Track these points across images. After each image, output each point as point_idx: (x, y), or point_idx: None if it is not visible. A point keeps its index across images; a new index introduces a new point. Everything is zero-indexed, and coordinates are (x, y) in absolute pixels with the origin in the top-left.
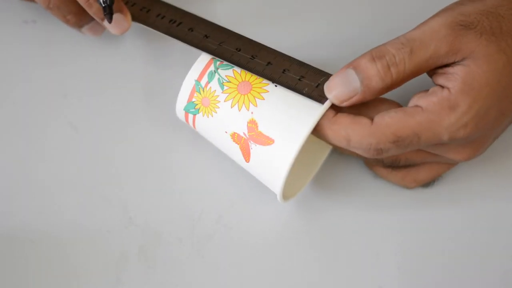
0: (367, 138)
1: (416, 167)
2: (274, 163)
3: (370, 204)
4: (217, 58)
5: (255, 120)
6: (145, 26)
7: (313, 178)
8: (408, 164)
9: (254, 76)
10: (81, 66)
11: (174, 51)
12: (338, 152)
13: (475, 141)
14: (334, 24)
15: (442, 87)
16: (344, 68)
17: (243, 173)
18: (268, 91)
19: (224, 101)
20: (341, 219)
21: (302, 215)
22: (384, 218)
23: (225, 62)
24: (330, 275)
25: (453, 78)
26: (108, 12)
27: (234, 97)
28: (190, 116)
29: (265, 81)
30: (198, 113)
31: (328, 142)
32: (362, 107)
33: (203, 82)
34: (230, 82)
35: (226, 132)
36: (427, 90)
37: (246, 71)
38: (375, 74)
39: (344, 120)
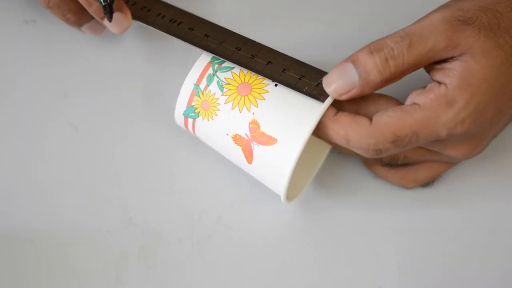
0: (366, 138)
1: (415, 167)
2: (277, 162)
3: (370, 204)
4: (215, 62)
5: (256, 121)
6: (145, 26)
7: (313, 179)
8: (407, 162)
9: (254, 77)
10: (81, 66)
11: (174, 50)
12: (337, 151)
13: (473, 137)
14: (333, 23)
15: (439, 83)
16: (342, 62)
17: (243, 173)
18: (268, 91)
19: (225, 103)
20: (341, 219)
21: (301, 215)
22: (384, 218)
23: (223, 65)
24: (330, 275)
25: (451, 74)
26: (108, 11)
27: (234, 99)
28: (190, 120)
29: (265, 81)
30: (198, 117)
31: (328, 140)
32: (362, 102)
33: (202, 85)
34: (229, 84)
35: (227, 134)
36: (424, 87)
37: (245, 73)
38: (373, 67)
39: (344, 119)
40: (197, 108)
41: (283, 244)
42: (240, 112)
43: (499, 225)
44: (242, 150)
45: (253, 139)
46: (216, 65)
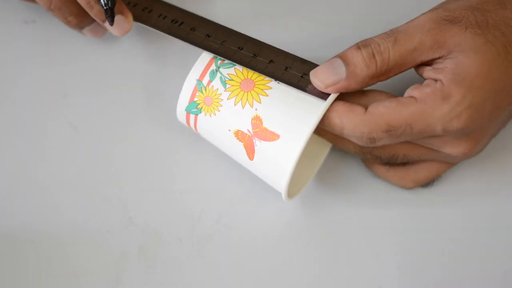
0: (360, 126)
1: (415, 167)
2: (279, 158)
3: (370, 204)
4: (218, 57)
5: (259, 117)
6: (145, 26)
7: (313, 178)
8: (406, 161)
9: (256, 74)
10: (81, 66)
11: (174, 51)
12: (337, 150)
13: (471, 135)
14: (335, 22)
15: (435, 80)
16: (331, 58)
17: (243, 172)
18: (271, 88)
19: (227, 99)
20: (341, 218)
21: (301, 215)
22: (384, 218)
23: (226, 61)
24: (330, 275)
25: (443, 71)
26: (110, 14)
27: (237, 95)
28: (192, 116)
29: (268, 78)
30: (200, 112)
31: (324, 134)
32: (363, 97)
33: (205, 81)
34: (232, 80)
35: (229, 130)
36: (422, 82)
37: (248, 69)
38: (360, 61)
39: (340, 108)
40: (199, 103)
41: (283, 244)
42: (243, 108)
43: (499, 225)
44: (244, 146)
45: (256, 135)
46: (219, 61)
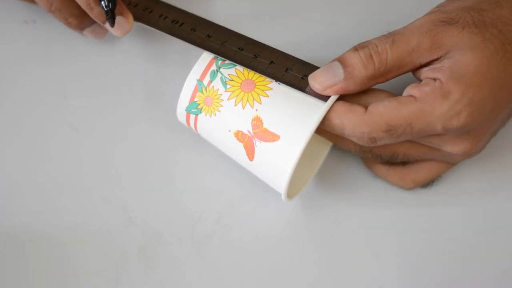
0: (360, 126)
1: (415, 167)
2: (279, 159)
3: (370, 204)
4: (219, 58)
5: (259, 117)
6: (145, 26)
7: (313, 178)
8: (407, 160)
9: (257, 75)
10: (81, 66)
11: (174, 51)
12: (337, 149)
13: (472, 133)
14: (335, 23)
15: (434, 79)
16: (329, 62)
17: (243, 173)
18: (272, 89)
19: (228, 99)
20: (341, 218)
21: (301, 216)
22: (384, 218)
23: (227, 61)
24: (330, 275)
25: (441, 70)
26: (111, 16)
27: (237, 95)
28: (192, 116)
29: (268, 79)
30: (201, 112)
31: (325, 133)
32: (362, 95)
33: (206, 81)
34: (233, 80)
35: (229, 130)
36: (421, 81)
37: (249, 70)
38: (357, 62)
39: (340, 108)
40: (199, 104)
41: (283, 244)
42: (243, 108)
43: (499, 225)
44: (244, 146)
45: (256, 135)
46: (220, 62)
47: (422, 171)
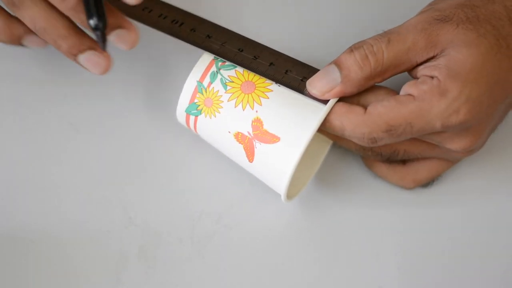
0: (360, 127)
1: (415, 166)
2: (279, 161)
3: (370, 204)
4: (219, 59)
5: (260, 119)
6: (146, 27)
7: (313, 178)
8: (407, 157)
9: (257, 76)
10: (81, 66)
11: (174, 51)
12: (337, 148)
13: (471, 129)
14: (335, 25)
15: (431, 77)
16: (326, 65)
17: (243, 173)
18: (272, 90)
19: (228, 100)
20: (341, 218)
21: (301, 215)
22: (384, 218)
23: (227, 63)
24: (330, 275)
25: (437, 68)
26: (101, 37)
27: (238, 97)
28: (192, 118)
29: (268, 80)
30: (201, 114)
31: (326, 132)
32: (362, 93)
33: (206, 83)
34: (233, 82)
35: (229, 132)
36: (418, 79)
37: (249, 72)
38: (353, 64)
39: (339, 109)
40: (199, 105)
41: (283, 244)
42: (244, 110)
43: (499, 225)
44: (244, 148)
45: (256, 137)
46: (220, 63)
47: (422, 170)
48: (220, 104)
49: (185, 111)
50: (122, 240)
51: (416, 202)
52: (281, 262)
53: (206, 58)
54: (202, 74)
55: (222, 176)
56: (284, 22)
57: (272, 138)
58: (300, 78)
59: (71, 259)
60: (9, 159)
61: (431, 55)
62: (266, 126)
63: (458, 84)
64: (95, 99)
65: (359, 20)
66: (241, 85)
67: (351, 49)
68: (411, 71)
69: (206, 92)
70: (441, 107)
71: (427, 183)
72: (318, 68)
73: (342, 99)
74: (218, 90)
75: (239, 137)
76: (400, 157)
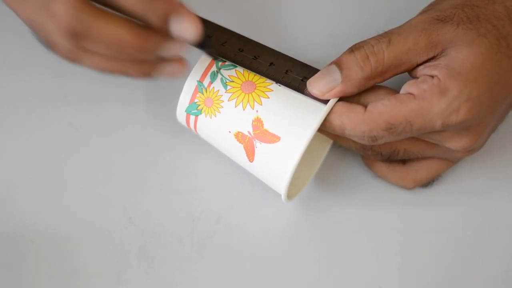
0: (360, 126)
1: (415, 166)
2: (279, 161)
3: (370, 204)
4: (219, 59)
5: (260, 118)
6: None
7: (313, 178)
8: (407, 157)
9: (257, 76)
10: (81, 66)
11: None
12: (337, 146)
13: (471, 129)
14: (335, 25)
15: (432, 76)
16: (326, 65)
17: (243, 173)
18: (272, 90)
19: (228, 100)
20: (341, 218)
21: (302, 214)
22: (384, 218)
23: (227, 63)
24: (330, 275)
25: (438, 67)
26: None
27: (238, 96)
28: (192, 117)
29: (268, 80)
30: (201, 114)
31: (326, 132)
32: (361, 94)
33: (206, 82)
34: (233, 81)
35: (229, 131)
36: (418, 78)
37: (249, 72)
38: (354, 64)
39: (339, 109)
40: (200, 105)
41: (283, 244)
42: (244, 109)
43: (499, 225)
44: (244, 148)
45: (256, 137)
46: (220, 63)
47: (422, 170)
48: (221, 104)
49: (185, 111)
50: (122, 240)
51: (416, 202)
52: (281, 262)
53: (206, 58)
54: (203, 74)
55: (222, 176)
56: (284, 22)
57: (272, 138)
58: (301, 78)
59: (71, 259)
60: (9, 159)
61: (431, 55)
62: (266, 126)
63: (459, 83)
64: (95, 99)
65: (359, 20)
66: (241, 84)
67: (352, 49)
68: (411, 71)
69: (206, 92)
70: (441, 106)
71: (427, 183)
72: (318, 68)
73: (342, 98)
74: (218, 90)
75: (239, 136)
76: (400, 157)
